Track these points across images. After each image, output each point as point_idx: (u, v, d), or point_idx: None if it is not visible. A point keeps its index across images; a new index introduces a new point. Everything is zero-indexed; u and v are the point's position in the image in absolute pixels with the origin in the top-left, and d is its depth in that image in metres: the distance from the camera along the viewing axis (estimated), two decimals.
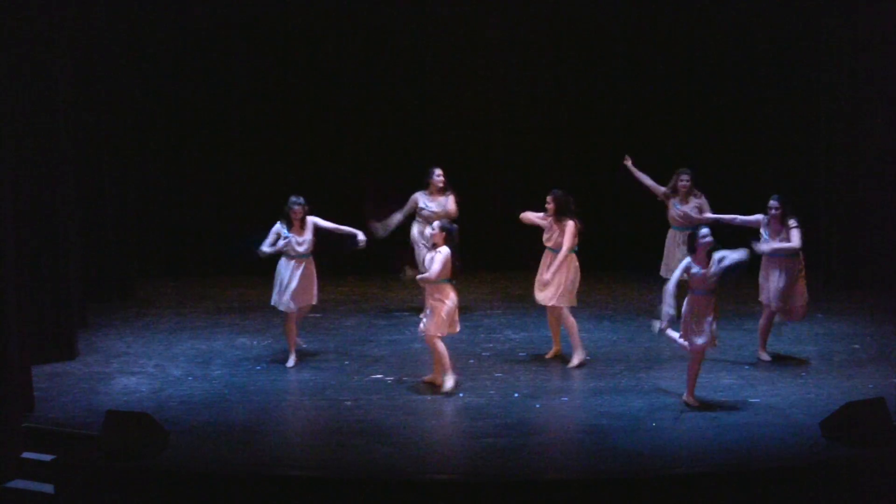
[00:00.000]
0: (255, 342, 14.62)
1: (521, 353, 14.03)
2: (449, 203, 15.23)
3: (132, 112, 17.14)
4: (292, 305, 13.61)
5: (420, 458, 10.87)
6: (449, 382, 12.59)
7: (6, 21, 12.54)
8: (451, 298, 12.54)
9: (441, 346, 12.60)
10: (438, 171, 15.30)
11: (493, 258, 17.76)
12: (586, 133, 18.38)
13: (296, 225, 13.60)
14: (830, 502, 10.36)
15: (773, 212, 13.32)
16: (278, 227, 13.60)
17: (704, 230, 11.99)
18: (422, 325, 12.70)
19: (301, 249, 13.62)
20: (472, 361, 13.73)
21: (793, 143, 17.76)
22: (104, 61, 16.16)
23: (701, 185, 15.47)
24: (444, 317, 12.50)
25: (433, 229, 12.69)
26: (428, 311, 12.60)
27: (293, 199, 13.61)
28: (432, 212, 15.12)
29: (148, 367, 13.55)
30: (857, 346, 14.14)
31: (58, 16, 13.72)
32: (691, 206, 14.78)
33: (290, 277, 13.61)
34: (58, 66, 13.64)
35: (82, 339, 14.26)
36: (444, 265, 12.43)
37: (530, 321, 15.11)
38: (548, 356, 13.84)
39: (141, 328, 15.31)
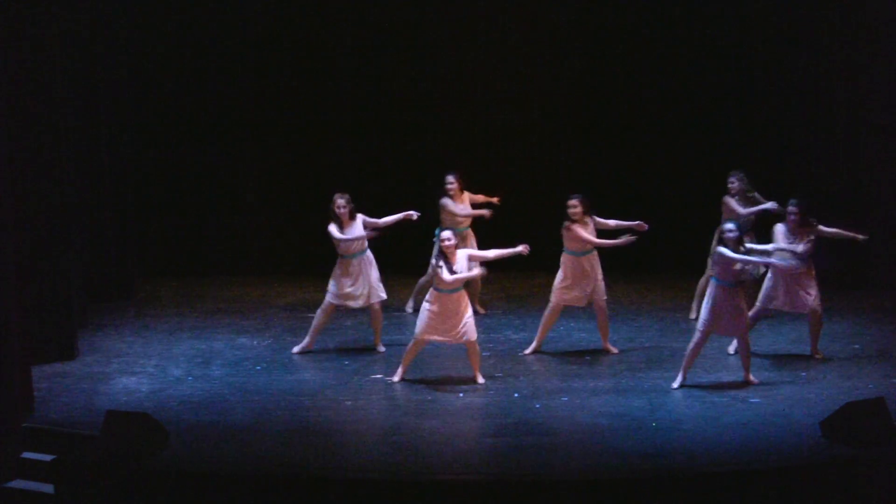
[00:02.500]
0: (255, 342, 14.61)
1: (521, 353, 14.02)
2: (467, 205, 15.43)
3: (132, 111, 17.12)
4: (349, 303, 13.91)
5: (420, 457, 10.86)
6: (481, 378, 12.91)
7: (6, 20, 12.55)
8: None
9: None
10: (450, 179, 15.37)
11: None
12: (588, 133, 18.35)
13: (344, 223, 13.68)
14: (830, 502, 10.36)
15: (791, 217, 13.52)
16: (331, 228, 13.72)
17: (730, 225, 12.57)
18: (467, 333, 12.76)
19: (352, 249, 13.77)
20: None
21: (792, 142, 17.74)
22: (104, 60, 16.16)
23: (699, 185, 15.51)
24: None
25: (449, 239, 12.66)
26: (465, 316, 12.72)
27: (336, 195, 13.75)
28: (459, 216, 15.29)
29: (148, 367, 13.55)
30: (857, 346, 14.14)
31: (58, 14, 13.71)
32: (740, 205, 14.88)
33: (340, 276, 13.82)
34: (58, 66, 13.63)
35: (82, 339, 14.25)
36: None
37: (530, 321, 15.10)
38: (529, 352, 13.94)
39: (141, 328, 15.31)
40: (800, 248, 13.47)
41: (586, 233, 13.59)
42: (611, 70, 18.22)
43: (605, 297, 13.92)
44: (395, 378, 12.91)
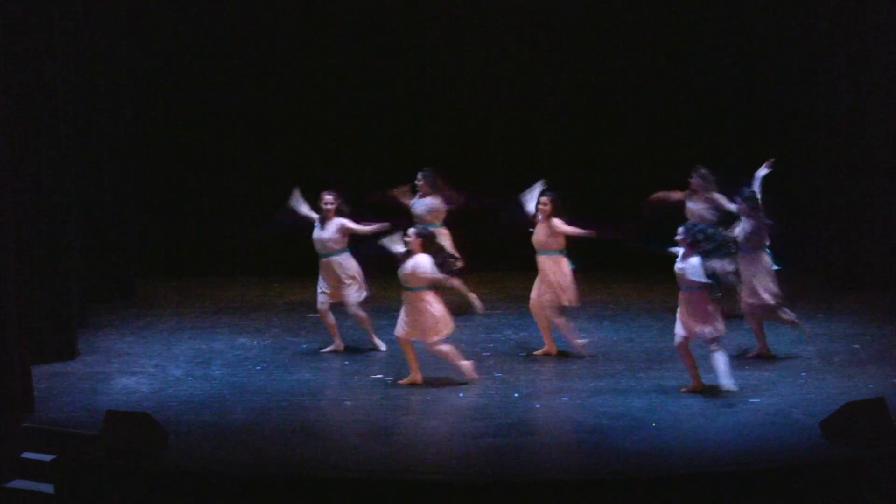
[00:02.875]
0: (255, 342, 14.62)
1: (521, 353, 14.03)
2: (436, 203, 15.34)
3: (132, 111, 17.14)
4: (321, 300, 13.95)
5: (420, 458, 10.87)
6: (472, 373, 12.84)
7: (6, 20, 12.55)
8: (436, 301, 12.68)
9: (445, 346, 12.72)
10: (418, 175, 15.35)
11: (493, 258, 17.73)
12: (585, 131, 18.37)
13: (326, 220, 13.79)
14: (830, 502, 10.36)
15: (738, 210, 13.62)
16: (314, 215, 13.87)
17: (679, 228, 12.29)
18: (420, 335, 12.68)
19: (317, 247, 13.79)
20: (472, 361, 13.72)
21: (793, 139, 17.75)
22: (104, 60, 16.17)
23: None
24: (437, 318, 12.59)
25: (408, 236, 12.67)
26: (427, 317, 12.58)
27: (323, 192, 13.84)
28: (415, 213, 15.24)
29: (148, 367, 13.55)
30: (857, 346, 14.13)
31: (58, 14, 13.71)
32: (704, 206, 14.73)
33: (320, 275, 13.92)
34: (58, 66, 13.63)
35: (82, 339, 14.25)
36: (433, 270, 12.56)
37: (530, 321, 15.08)
38: (539, 353, 13.91)
39: (141, 328, 15.31)
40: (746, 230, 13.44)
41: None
42: (609, 69, 18.24)
43: (563, 305, 13.68)
44: (404, 382, 12.83)
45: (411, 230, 12.75)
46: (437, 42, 18.35)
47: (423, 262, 12.52)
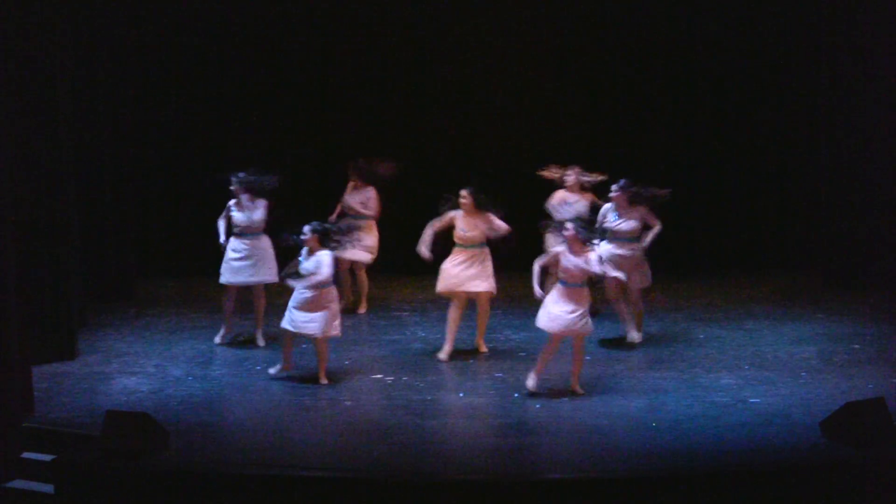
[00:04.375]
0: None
1: (521, 353, 14.03)
2: (368, 197, 15.51)
3: (133, 111, 17.11)
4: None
5: (420, 458, 10.87)
6: (324, 379, 12.93)
7: (7, 21, 12.55)
8: (336, 300, 13.02)
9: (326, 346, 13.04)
10: (351, 167, 15.61)
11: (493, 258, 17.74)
12: (582, 129, 18.34)
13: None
14: (830, 502, 10.37)
15: (613, 194, 14.01)
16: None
17: (568, 224, 12.40)
18: (317, 326, 12.75)
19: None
20: (472, 361, 13.74)
21: (793, 139, 17.74)
22: (104, 61, 16.15)
23: (699, 178, 15.40)
24: (335, 317, 12.87)
25: (304, 234, 12.77)
26: (322, 314, 12.72)
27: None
28: (348, 205, 15.49)
29: (148, 367, 13.55)
30: (857, 346, 14.13)
31: (58, 15, 13.71)
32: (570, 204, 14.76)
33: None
34: (58, 67, 13.63)
35: (82, 339, 14.25)
36: (332, 266, 12.76)
37: (530, 321, 15.07)
38: (444, 356, 13.82)
39: (141, 328, 15.31)
40: (623, 225, 13.92)
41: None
42: (607, 67, 18.19)
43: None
44: (273, 371, 13.06)
45: (306, 227, 12.84)
46: (437, 40, 18.33)
47: (325, 262, 12.72)
